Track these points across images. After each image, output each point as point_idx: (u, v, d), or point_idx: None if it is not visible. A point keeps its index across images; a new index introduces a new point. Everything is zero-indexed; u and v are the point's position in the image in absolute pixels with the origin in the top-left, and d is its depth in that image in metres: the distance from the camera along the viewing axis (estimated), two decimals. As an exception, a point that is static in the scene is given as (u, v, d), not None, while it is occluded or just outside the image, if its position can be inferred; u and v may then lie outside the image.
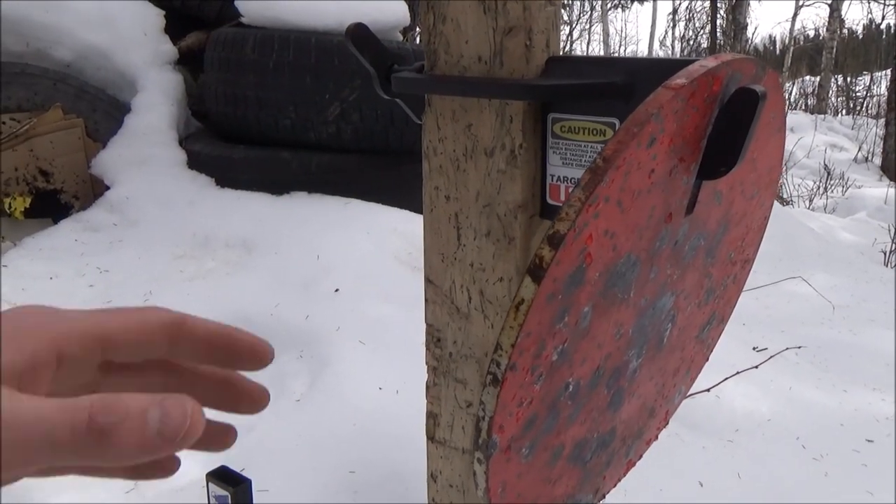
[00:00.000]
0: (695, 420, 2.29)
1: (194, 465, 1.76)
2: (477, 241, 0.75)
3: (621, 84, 0.64)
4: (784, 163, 8.81)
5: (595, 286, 0.52)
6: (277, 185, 3.03)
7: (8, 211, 3.17)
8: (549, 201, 0.72)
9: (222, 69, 3.17)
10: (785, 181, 8.29)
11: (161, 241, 2.85)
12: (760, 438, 2.26)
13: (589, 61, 0.68)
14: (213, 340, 0.42)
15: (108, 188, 3.24)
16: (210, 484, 1.32)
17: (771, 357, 2.66)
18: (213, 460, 1.44)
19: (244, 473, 1.34)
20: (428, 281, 0.82)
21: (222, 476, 1.33)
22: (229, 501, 1.29)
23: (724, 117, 0.54)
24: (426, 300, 0.83)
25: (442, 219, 0.78)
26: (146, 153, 3.26)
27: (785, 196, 7.97)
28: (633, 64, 0.66)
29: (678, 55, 20.12)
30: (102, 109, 3.42)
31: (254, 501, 1.33)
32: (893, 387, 2.88)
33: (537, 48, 0.69)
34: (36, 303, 0.40)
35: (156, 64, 3.62)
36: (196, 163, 3.27)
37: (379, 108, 2.98)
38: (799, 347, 3.07)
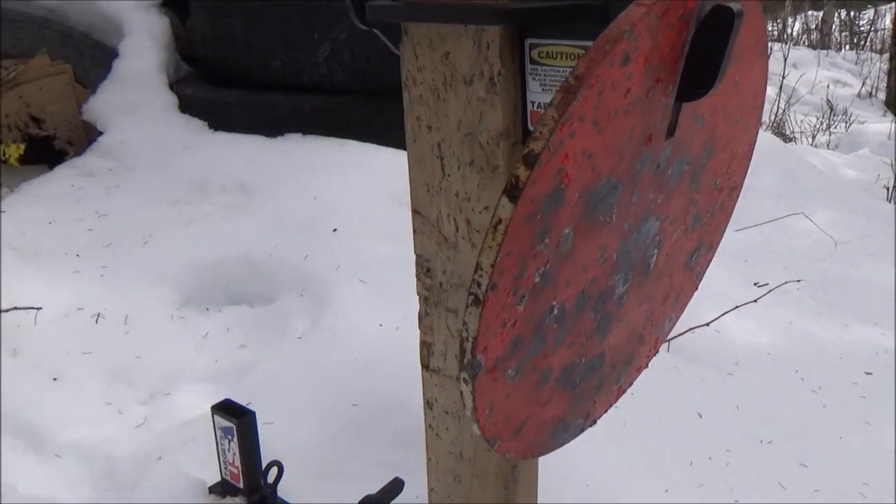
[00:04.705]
0: (694, 353, 2.30)
1: (201, 399, 1.78)
2: (461, 170, 0.75)
3: (596, 6, 0.62)
4: (787, 99, 8.69)
5: (575, 208, 0.52)
6: (271, 127, 3.00)
7: (3, 158, 3.17)
8: (531, 128, 0.71)
9: (209, 12, 3.11)
10: (788, 118, 8.17)
11: (157, 186, 2.84)
12: (759, 371, 2.28)
13: (568, -18, 0.65)
14: None
15: (101, 134, 3.21)
16: (215, 416, 1.34)
17: (770, 290, 2.66)
18: (219, 396, 1.46)
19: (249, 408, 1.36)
20: (415, 212, 0.81)
21: (227, 409, 1.35)
22: (234, 432, 1.31)
23: (700, 37, 0.53)
24: (414, 231, 0.83)
25: (425, 149, 0.77)
26: (137, 98, 3.22)
27: (787, 133, 7.86)
28: (610, -16, 0.63)
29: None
30: (89, 55, 3.37)
31: (258, 433, 1.35)
32: (893, 320, 2.90)
33: (516, -31, 0.67)
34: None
35: (141, 7, 3.55)
36: (188, 107, 3.23)
37: (370, 48, 2.92)
38: (798, 281, 3.07)
